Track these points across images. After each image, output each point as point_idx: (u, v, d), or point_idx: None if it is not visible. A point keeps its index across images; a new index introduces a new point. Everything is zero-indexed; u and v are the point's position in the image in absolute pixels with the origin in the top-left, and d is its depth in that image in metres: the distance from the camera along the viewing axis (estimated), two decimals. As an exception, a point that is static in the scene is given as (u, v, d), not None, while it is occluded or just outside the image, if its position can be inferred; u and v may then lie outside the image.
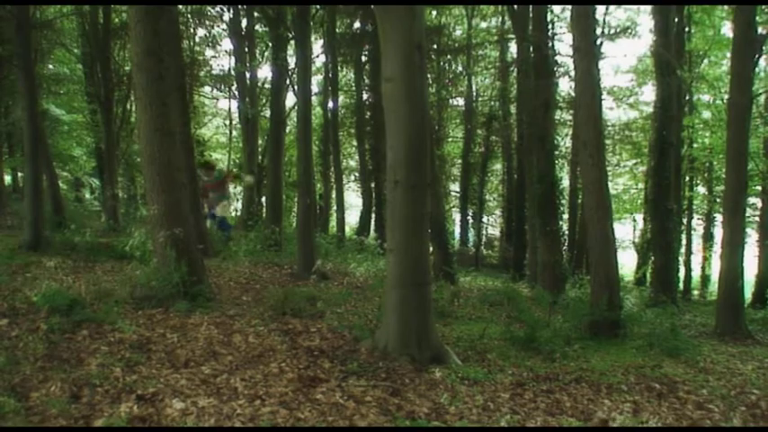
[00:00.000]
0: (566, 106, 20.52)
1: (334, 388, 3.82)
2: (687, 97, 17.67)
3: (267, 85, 18.81)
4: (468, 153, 25.01)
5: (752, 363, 6.42)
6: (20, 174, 19.68)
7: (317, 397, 3.62)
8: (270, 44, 17.20)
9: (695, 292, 20.97)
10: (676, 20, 14.32)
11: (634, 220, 24.72)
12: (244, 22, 17.84)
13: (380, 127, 17.99)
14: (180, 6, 14.41)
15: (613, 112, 24.16)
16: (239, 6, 16.84)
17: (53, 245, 8.60)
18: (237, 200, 20.37)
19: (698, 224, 23.24)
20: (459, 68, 24.59)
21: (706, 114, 18.38)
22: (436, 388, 4.11)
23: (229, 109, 24.37)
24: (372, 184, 22.93)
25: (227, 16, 18.11)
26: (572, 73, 15.61)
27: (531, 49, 13.58)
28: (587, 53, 7.60)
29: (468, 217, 26.55)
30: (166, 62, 6.08)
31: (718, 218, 20.76)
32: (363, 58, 21.43)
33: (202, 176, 10.47)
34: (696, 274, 22.28)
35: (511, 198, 22.98)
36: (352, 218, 27.97)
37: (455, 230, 26.85)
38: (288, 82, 13.65)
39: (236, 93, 19.80)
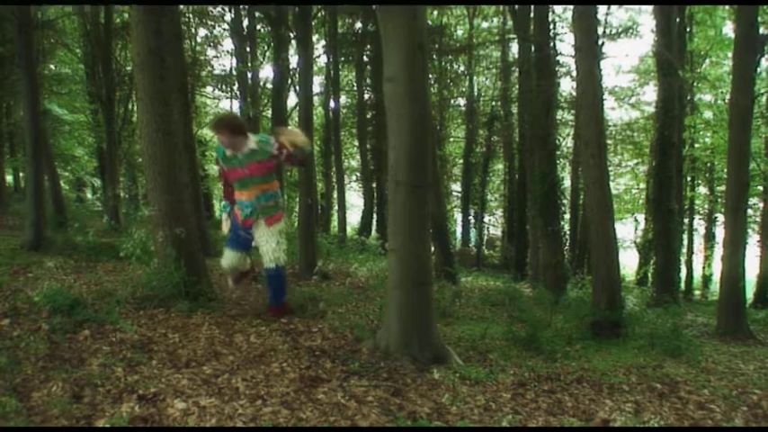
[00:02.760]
0: (567, 106, 20.52)
1: (336, 388, 3.82)
2: (689, 97, 17.68)
3: (269, 85, 18.84)
4: (469, 153, 25.03)
5: (753, 363, 6.42)
6: (21, 174, 19.72)
7: (318, 397, 3.62)
8: (271, 44, 17.21)
9: (697, 293, 20.97)
10: (678, 20, 14.32)
11: (635, 220, 24.72)
12: (245, 23, 17.86)
13: (382, 127, 18.01)
14: (182, 6, 14.41)
15: (615, 112, 24.24)
16: (241, 6, 16.86)
17: (55, 245, 8.61)
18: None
19: (699, 224, 23.25)
20: (461, 68, 24.60)
21: (707, 114, 18.38)
22: (438, 388, 4.11)
23: (231, 109, 24.38)
24: (374, 184, 22.97)
25: (228, 16, 18.15)
26: (574, 73, 15.63)
27: (533, 49, 13.59)
28: (589, 53, 7.60)
29: (470, 217, 26.56)
30: (168, 62, 6.08)
31: (720, 218, 20.78)
32: (365, 58, 21.45)
33: (222, 147, 5.08)
34: (698, 274, 22.30)
35: (512, 198, 23.00)
36: (354, 218, 28.01)
37: (457, 230, 26.87)
38: (289, 82, 13.69)
39: (238, 93, 19.83)
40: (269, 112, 18.56)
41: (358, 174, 27.42)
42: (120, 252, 6.91)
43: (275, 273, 5.28)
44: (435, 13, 21.09)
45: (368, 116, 22.32)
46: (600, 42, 17.35)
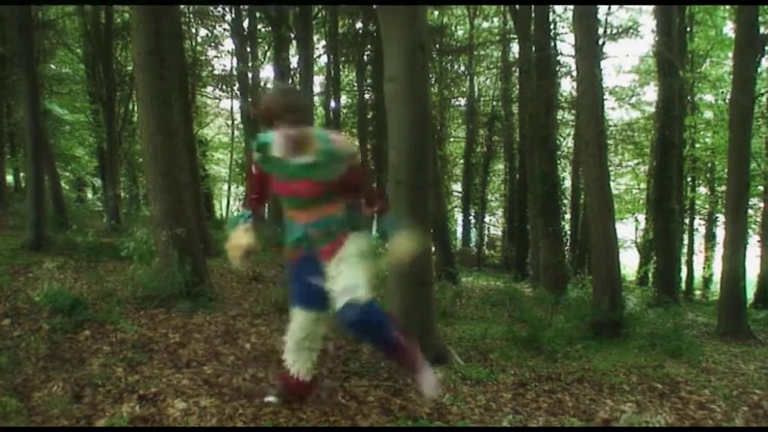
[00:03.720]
0: (568, 106, 20.52)
1: (337, 388, 3.82)
2: (689, 97, 17.67)
3: (269, 86, 18.82)
4: (470, 153, 25.02)
5: (754, 363, 6.42)
6: (22, 174, 19.71)
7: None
8: (272, 44, 17.22)
9: (697, 293, 20.96)
10: (678, 20, 14.32)
11: (636, 220, 24.73)
12: (246, 23, 17.85)
13: (382, 127, 17.99)
14: (182, 6, 14.42)
15: (615, 112, 24.21)
16: (241, 6, 16.86)
17: (55, 245, 8.61)
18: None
19: (700, 224, 23.24)
20: (461, 68, 24.58)
21: (708, 114, 18.38)
22: (438, 388, 4.11)
23: (231, 109, 24.38)
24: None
25: (228, 16, 18.14)
26: (574, 73, 15.63)
27: (534, 49, 13.59)
28: (589, 53, 7.60)
29: (471, 217, 26.55)
30: (168, 62, 6.09)
31: (720, 218, 20.75)
32: (365, 58, 21.43)
33: (265, 140, 2.89)
34: (698, 274, 22.28)
35: (513, 198, 22.99)
36: (354, 218, 27.93)
37: (457, 230, 26.86)
38: (290, 82, 13.68)
39: (239, 93, 19.81)
40: (269, 113, 18.52)
41: (358, 174, 27.39)
42: (122, 252, 6.89)
43: (355, 316, 2.83)
44: (435, 13, 21.07)
45: (368, 116, 22.29)
46: (600, 42, 17.34)
